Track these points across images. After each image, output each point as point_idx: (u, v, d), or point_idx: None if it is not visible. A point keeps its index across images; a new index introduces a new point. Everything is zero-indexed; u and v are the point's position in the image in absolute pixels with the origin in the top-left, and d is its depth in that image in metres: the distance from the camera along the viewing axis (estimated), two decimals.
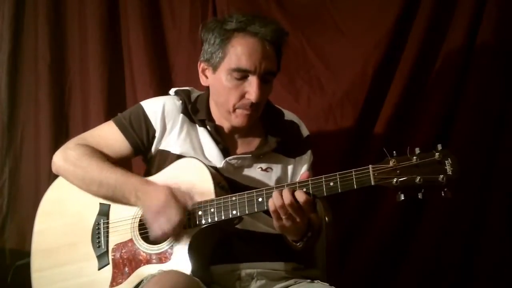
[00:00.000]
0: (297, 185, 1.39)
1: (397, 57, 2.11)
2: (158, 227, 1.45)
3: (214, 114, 1.65)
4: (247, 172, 1.62)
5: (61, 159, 1.64)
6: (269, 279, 1.55)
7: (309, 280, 1.55)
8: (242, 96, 1.55)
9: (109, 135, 1.66)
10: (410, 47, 2.08)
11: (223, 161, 1.59)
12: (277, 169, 1.64)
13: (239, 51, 1.52)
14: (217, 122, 1.64)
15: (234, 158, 1.61)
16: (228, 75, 1.55)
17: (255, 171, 1.63)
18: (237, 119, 1.59)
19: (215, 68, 1.58)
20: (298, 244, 1.51)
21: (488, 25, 1.99)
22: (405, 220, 2.13)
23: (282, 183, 1.55)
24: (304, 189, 1.37)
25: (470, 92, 2.04)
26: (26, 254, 1.70)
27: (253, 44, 1.52)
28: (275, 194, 1.38)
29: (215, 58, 1.56)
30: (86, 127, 2.36)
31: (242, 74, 1.53)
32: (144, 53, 2.32)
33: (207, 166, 1.52)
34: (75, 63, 2.42)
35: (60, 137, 2.35)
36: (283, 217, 1.38)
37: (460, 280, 2.08)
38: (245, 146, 1.66)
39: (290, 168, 1.66)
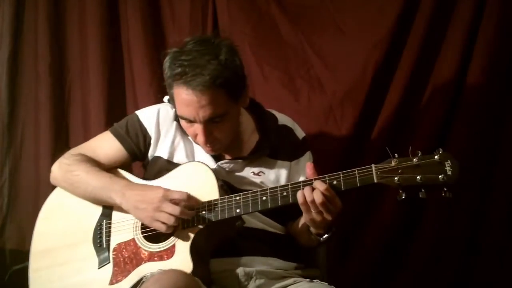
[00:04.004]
0: (301, 184, 1.41)
1: (397, 57, 2.10)
2: (147, 215, 1.48)
3: None
4: (239, 176, 1.63)
5: (56, 168, 1.69)
6: (268, 278, 1.55)
7: (308, 280, 1.55)
8: (196, 136, 1.56)
9: (105, 143, 1.69)
10: (410, 47, 2.08)
11: (215, 165, 1.61)
12: (269, 173, 1.65)
13: (178, 101, 1.52)
14: None
15: (226, 162, 1.62)
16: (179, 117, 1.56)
17: (247, 175, 1.64)
18: (204, 149, 1.61)
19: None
20: (322, 238, 1.50)
21: (488, 25, 1.98)
22: (405, 220, 2.13)
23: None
24: (335, 182, 1.38)
25: (470, 92, 2.03)
26: (26, 254, 1.69)
27: (187, 96, 1.48)
28: (306, 188, 1.38)
29: (170, 96, 1.57)
30: (86, 127, 2.37)
31: (188, 120, 1.53)
32: (144, 53, 2.32)
33: (211, 168, 1.54)
34: (75, 63, 2.42)
35: (60, 137, 2.36)
36: (313, 211, 1.39)
37: (460, 280, 2.08)
38: (237, 151, 1.67)
39: (284, 171, 1.66)
